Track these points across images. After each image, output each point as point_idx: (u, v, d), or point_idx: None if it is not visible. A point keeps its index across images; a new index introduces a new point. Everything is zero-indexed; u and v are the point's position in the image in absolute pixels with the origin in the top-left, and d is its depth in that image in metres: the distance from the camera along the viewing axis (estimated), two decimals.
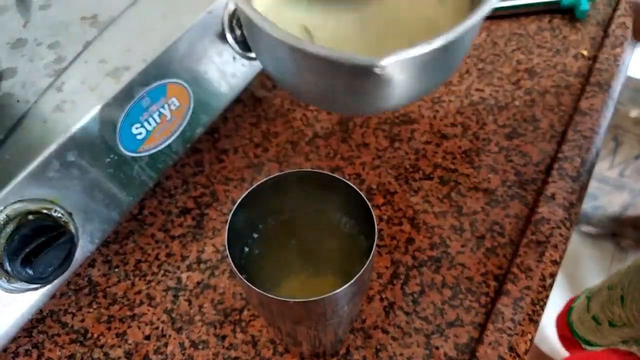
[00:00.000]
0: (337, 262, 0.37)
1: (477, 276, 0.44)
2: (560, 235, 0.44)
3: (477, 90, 0.58)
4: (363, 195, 0.32)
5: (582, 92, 0.56)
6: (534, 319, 0.40)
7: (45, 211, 0.34)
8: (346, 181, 0.34)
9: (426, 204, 0.49)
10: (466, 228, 0.47)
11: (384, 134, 0.54)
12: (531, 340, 0.39)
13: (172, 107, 0.43)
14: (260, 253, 0.39)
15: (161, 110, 0.43)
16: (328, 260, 0.37)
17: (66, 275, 0.37)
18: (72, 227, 0.36)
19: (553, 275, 0.43)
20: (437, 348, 0.40)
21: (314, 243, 0.39)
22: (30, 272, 0.32)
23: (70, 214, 0.36)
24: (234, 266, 0.29)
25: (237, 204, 0.32)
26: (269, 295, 0.28)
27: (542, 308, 0.41)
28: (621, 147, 1.61)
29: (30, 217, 0.33)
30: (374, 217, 0.31)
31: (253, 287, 0.29)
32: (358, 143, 0.54)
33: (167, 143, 0.44)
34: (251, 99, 0.59)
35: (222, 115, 0.57)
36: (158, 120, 0.43)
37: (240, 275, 0.29)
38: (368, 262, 0.29)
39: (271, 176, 0.33)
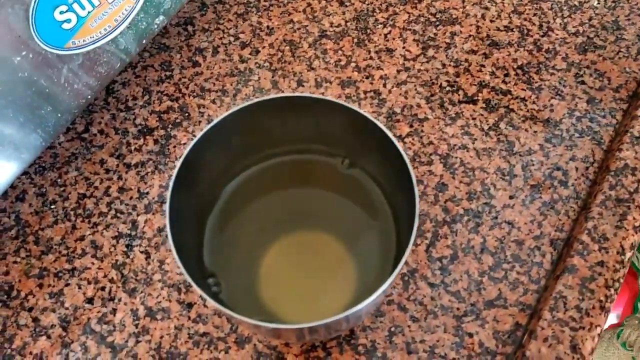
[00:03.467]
0: (336, 220, 0.31)
1: (528, 240, 0.33)
2: None
3: None
4: (385, 130, 0.21)
5: None
6: (605, 307, 0.30)
7: None
8: (357, 109, 0.26)
9: (466, 136, 0.36)
10: (517, 173, 0.35)
11: (415, 37, 0.41)
12: (599, 335, 0.30)
13: None
14: (239, 208, 0.31)
15: None
16: (325, 217, 0.31)
17: None
18: None
19: (633, 248, 0.32)
20: (470, 335, 0.30)
21: (308, 194, 0.32)
22: None
23: None
24: (204, 295, 0.21)
25: (195, 140, 0.21)
26: (261, 324, 0.22)
27: (617, 292, 0.31)
28: None
29: None
30: (410, 170, 0.20)
31: (243, 317, 0.22)
32: (379, 48, 0.40)
33: (111, 37, 0.31)
34: None
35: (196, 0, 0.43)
36: (96, 2, 0.30)
37: (219, 305, 0.21)
38: (394, 274, 0.20)
39: (248, 103, 0.22)
